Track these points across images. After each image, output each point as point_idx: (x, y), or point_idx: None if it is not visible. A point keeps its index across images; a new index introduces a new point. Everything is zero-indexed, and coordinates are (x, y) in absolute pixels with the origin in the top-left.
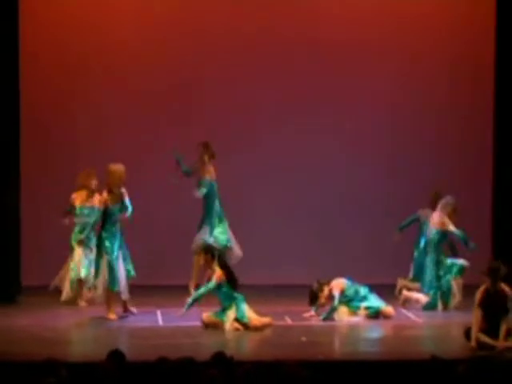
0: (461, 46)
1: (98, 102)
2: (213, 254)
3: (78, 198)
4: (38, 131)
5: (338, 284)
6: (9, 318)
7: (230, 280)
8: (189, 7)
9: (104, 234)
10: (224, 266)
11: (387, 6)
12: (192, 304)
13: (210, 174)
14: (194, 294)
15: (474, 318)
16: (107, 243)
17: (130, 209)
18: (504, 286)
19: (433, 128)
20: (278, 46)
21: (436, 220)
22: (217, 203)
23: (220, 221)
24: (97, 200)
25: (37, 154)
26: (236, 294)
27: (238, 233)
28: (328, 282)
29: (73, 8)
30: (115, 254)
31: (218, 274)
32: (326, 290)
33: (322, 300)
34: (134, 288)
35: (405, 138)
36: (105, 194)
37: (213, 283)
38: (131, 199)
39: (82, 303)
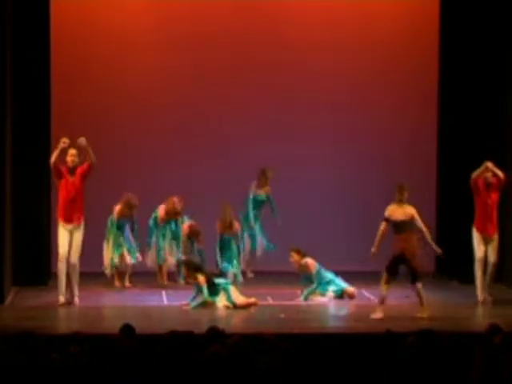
0: (408, 58)
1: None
2: (194, 266)
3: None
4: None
5: (313, 263)
6: (41, 299)
7: (210, 283)
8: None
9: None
10: (205, 273)
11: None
12: (198, 306)
13: None
14: (196, 300)
15: None
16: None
17: None
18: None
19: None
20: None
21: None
22: None
23: None
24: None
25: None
26: (223, 282)
27: None
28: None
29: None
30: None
31: (201, 280)
32: (302, 261)
33: (296, 265)
34: (143, 274)
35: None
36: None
37: (205, 290)
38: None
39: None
